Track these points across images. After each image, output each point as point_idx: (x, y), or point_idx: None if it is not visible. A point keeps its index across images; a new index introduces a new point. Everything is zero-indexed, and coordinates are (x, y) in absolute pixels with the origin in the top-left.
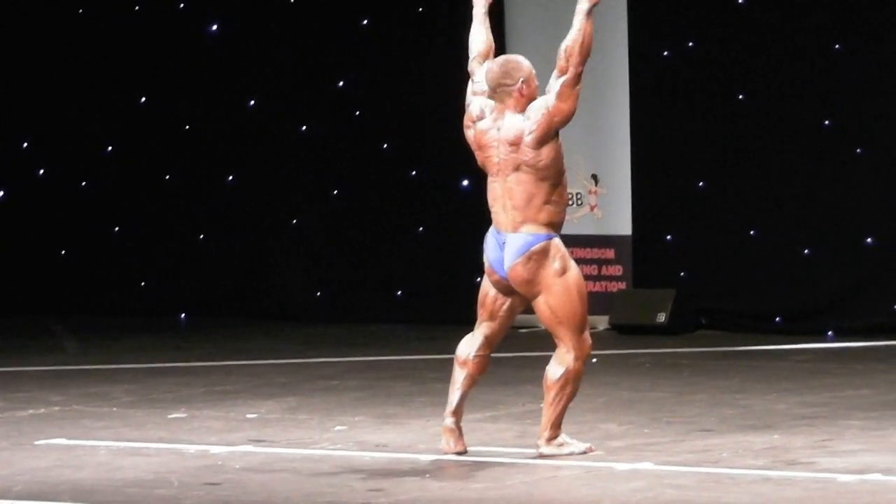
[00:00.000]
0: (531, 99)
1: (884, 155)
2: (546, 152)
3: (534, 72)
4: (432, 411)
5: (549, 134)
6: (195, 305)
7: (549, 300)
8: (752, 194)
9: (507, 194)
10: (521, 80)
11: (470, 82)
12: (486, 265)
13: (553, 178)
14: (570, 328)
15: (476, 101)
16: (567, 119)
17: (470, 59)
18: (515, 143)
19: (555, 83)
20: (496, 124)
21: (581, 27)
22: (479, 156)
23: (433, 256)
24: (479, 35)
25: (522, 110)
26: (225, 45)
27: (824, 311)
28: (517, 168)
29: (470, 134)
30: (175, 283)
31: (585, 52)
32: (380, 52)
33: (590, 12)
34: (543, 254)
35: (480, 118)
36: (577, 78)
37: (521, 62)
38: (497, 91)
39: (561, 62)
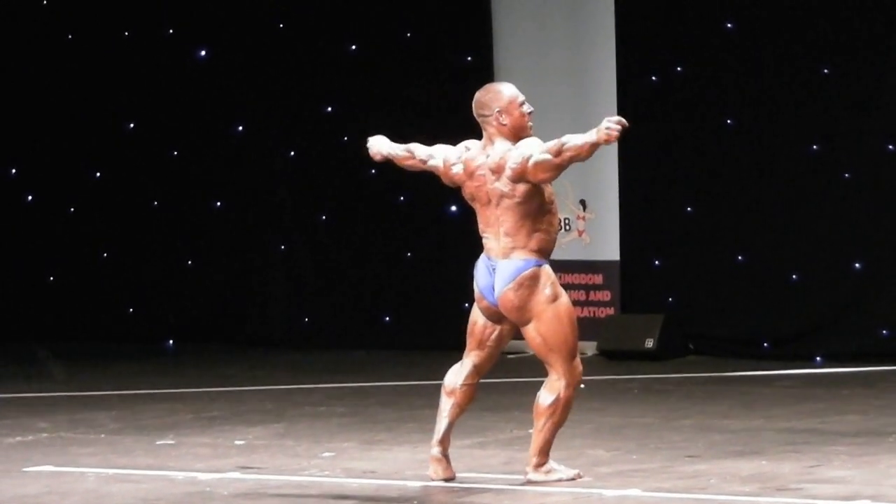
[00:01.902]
0: (515, 127)
1: (871, 180)
2: (521, 188)
3: (518, 99)
4: (420, 437)
5: (524, 178)
6: (183, 332)
7: (540, 327)
8: (739, 219)
9: (497, 222)
10: (497, 110)
11: (431, 159)
12: (476, 292)
13: (535, 210)
14: (561, 355)
15: (451, 149)
16: (543, 183)
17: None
18: (497, 172)
19: (542, 148)
20: (486, 151)
21: (588, 143)
22: (468, 186)
23: (421, 282)
24: (402, 155)
25: (511, 138)
26: (213, 71)
27: (812, 336)
28: (501, 197)
29: (458, 170)
30: (162, 309)
31: (578, 159)
32: (368, 77)
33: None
34: (534, 280)
35: (460, 157)
36: (561, 166)
37: (500, 91)
38: (479, 120)
39: (554, 146)
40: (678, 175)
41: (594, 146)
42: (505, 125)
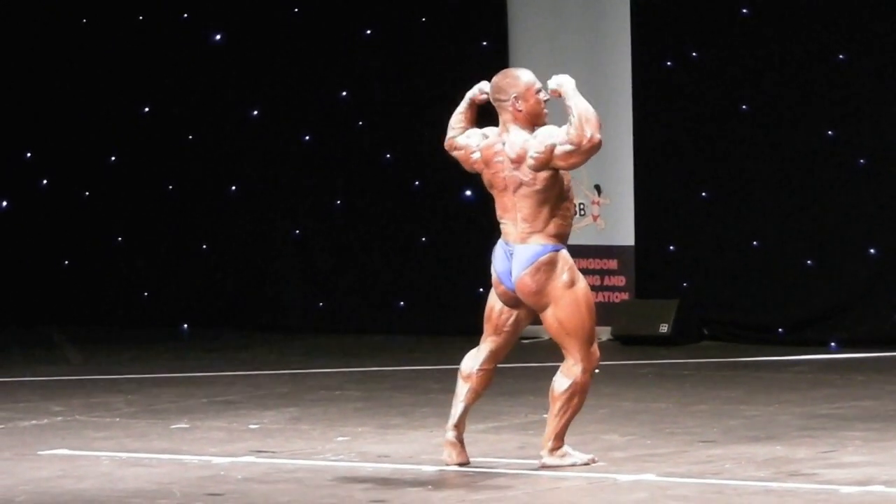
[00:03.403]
0: (531, 114)
1: (887, 165)
2: (543, 177)
3: (535, 86)
4: (434, 422)
5: (548, 166)
6: (197, 316)
7: (558, 312)
8: (754, 205)
9: (515, 208)
10: (514, 95)
11: (455, 149)
12: (494, 277)
13: (554, 197)
14: (578, 340)
15: (472, 135)
16: (569, 169)
17: (447, 138)
18: (518, 161)
19: (562, 138)
20: (502, 138)
21: (574, 106)
22: (486, 173)
23: (436, 267)
24: (459, 122)
25: (526, 125)
26: (228, 55)
27: (827, 321)
28: (519, 185)
29: (476, 157)
30: (177, 293)
31: (594, 123)
32: (383, 62)
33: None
34: (551, 265)
35: (479, 145)
36: (594, 147)
37: (518, 77)
38: (495, 104)
39: (575, 135)
40: (693, 160)
41: (576, 96)
42: (521, 111)
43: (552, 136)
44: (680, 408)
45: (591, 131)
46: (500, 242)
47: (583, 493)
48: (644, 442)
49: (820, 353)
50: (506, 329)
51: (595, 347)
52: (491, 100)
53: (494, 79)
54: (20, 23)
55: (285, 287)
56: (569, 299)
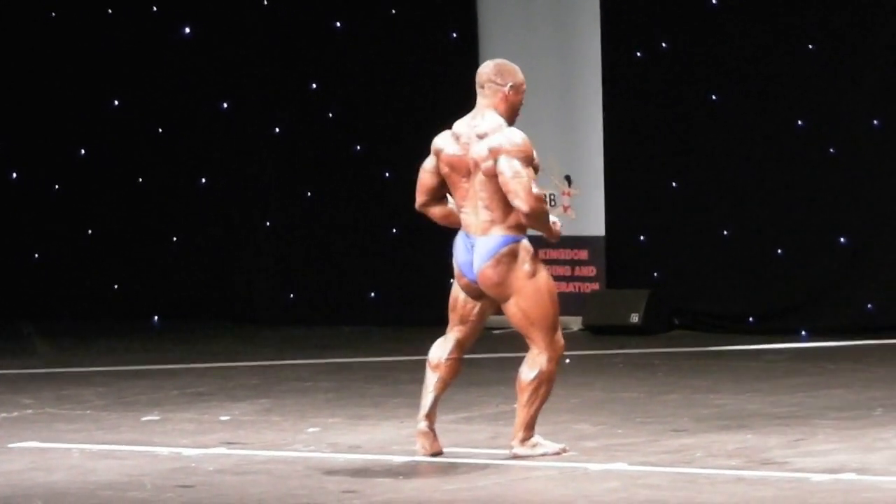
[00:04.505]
0: (514, 106)
1: (857, 155)
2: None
3: (525, 86)
4: (406, 413)
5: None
6: (168, 308)
7: (521, 302)
8: (725, 194)
9: (476, 196)
10: (511, 84)
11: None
12: (456, 269)
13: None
14: (542, 330)
15: (426, 170)
16: (506, 192)
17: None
18: (483, 136)
19: (521, 189)
20: (474, 121)
21: (547, 225)
22: (449, 158)
23: (406, 258)
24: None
25: (505, 115)
26: (198, 48)
27: (798, 310)
28: (477, 167)
29: (450, 151)
30: (148, 285)
31: (533, 214)
32: (353, 53)
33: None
34: (512, 256)
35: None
36: (527, 204)
37: (516, 71)
38: (485, 87)
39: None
40: (663, 150)
41: (545, 229)
42: (509, 101)
43: (518, 165)
44: (651, 397)
45: (539, 214)
46: (460, 234)
47: (554, 482)
48: (615, 431)
49: (790, 342)
50: (471, 319)
51: (559, 335)
52: (483, 80)
53: (493, 63)
54: None
55: (256, 279)
56: (531, 289)
